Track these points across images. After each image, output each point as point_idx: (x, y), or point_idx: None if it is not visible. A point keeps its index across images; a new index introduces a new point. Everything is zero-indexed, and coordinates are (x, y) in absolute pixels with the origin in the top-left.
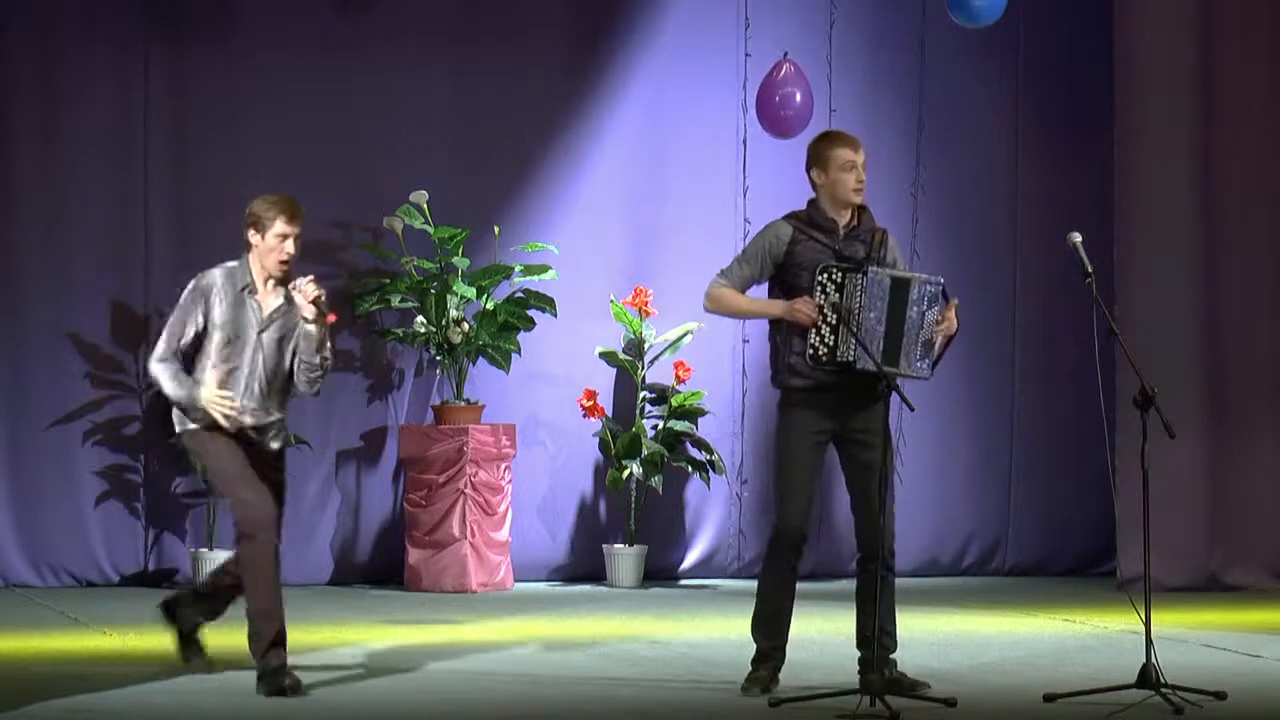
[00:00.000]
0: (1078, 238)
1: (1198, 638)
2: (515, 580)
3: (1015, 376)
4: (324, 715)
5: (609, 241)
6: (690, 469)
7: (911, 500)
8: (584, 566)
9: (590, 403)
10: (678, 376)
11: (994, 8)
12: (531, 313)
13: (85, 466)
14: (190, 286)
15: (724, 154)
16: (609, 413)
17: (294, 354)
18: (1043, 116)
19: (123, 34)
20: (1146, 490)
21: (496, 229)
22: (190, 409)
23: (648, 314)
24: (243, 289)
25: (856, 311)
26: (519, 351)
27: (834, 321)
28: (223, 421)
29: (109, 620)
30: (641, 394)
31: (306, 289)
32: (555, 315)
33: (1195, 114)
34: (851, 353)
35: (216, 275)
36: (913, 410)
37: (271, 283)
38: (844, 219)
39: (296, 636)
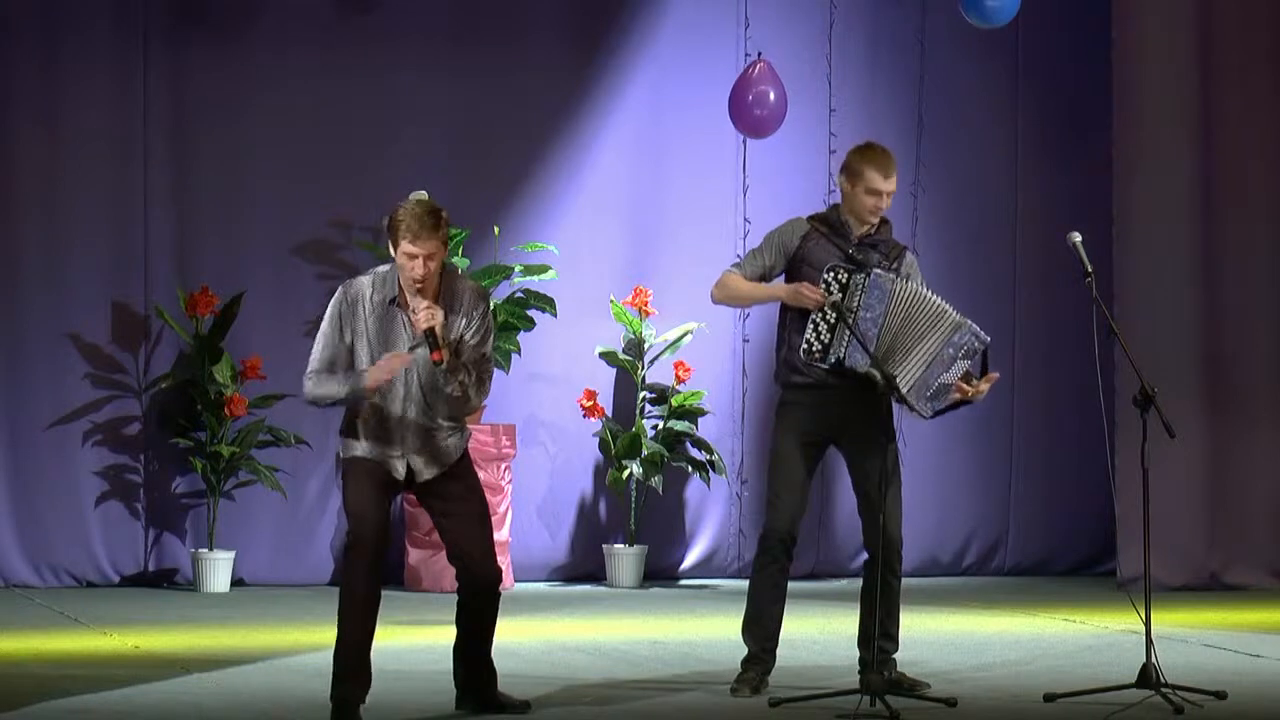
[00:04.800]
0: (1078, 238)
1: (1198, 638)
2: (515, 580)
3: (1015, 376)
4: (323, 715)
5: (609, 241)
6: (690, 469)
7: (912, 500)
8: (584, 566)
9: (590, 403)
10: (678, 376)
11: (1008, 7)
12: (531, 313)
13: (85, 466)
14: (337, 296)
15: (724, 154)
16: (609, 413)
17: None
18: (1043, 116)
19: (123, 33)
20: (1146, 490)
21: (496, 229)
22: (358, 398)
23: (648, 314)
24: (391, 301)
25: (854, 311)
26: (519, 351)
27: (832, 320)
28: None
29: (109, 620)
30: (641, 394)
31: (420, 315)
32: (555, 315)
33: (1194, 114)
34: (844, 352)
35: (364, 283)
36: (915, 411)
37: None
38: (862, 227)
39: (297, 637)
